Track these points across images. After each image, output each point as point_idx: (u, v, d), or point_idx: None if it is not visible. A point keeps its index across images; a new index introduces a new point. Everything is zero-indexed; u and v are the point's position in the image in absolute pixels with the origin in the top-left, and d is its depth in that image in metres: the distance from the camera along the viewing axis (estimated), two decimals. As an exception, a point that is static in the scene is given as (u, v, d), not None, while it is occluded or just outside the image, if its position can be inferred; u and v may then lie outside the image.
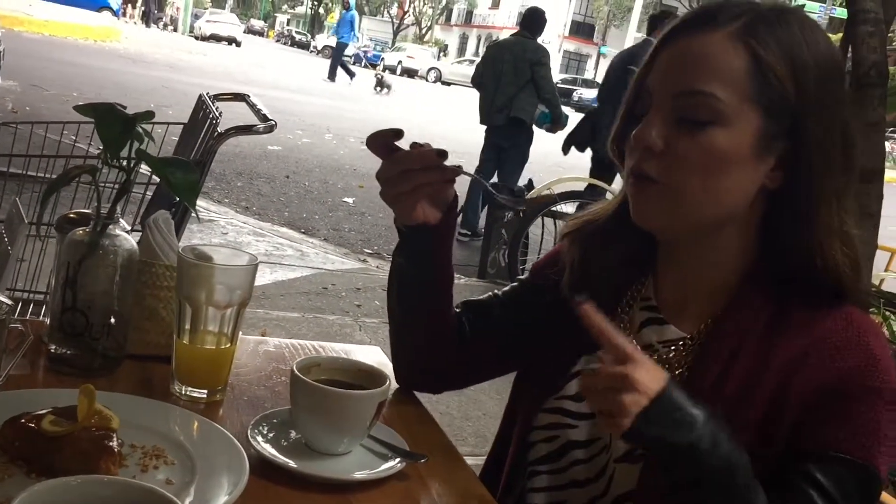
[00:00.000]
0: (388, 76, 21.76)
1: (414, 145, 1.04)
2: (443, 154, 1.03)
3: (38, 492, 0.60)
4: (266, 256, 5.27)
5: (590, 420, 1.08)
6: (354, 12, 21.25)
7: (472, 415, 3.50)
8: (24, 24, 16.89)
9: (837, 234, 0.97)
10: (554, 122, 6.51)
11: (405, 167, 1.03)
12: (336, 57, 20.96)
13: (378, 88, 20.33)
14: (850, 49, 2.87)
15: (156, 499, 0.62)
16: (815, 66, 0.95)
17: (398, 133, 1.04)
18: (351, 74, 20.96)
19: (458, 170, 1.05)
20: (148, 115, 1.08)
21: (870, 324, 0.99)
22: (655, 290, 1.10)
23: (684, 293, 1.07)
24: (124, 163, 1.07)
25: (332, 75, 20.48)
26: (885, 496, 1.14)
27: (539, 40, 6.63)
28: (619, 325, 1.10)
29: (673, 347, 1.05)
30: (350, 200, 7.43)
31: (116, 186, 1.11)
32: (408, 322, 1.20)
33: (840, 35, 3.08)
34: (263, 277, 4.80)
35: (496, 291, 1.26)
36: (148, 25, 33.99)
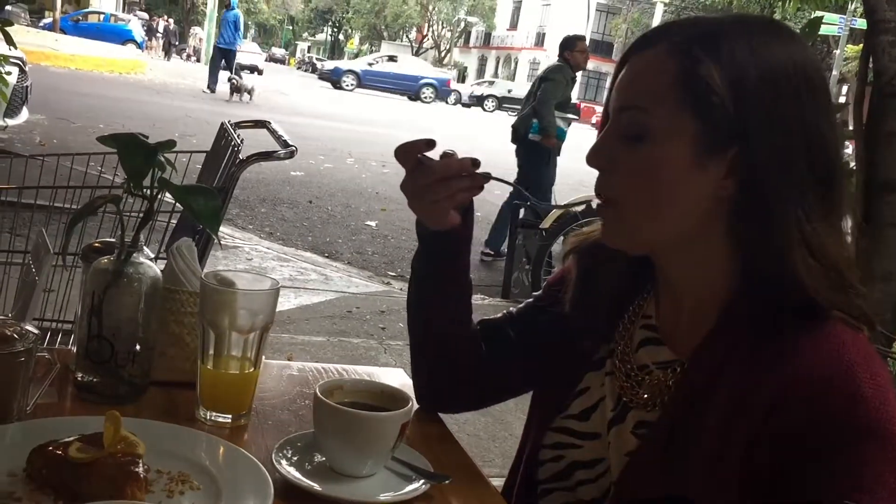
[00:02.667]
0: (247, 78, 17.93)
1: (444, 154, 1.07)
2: (476, 163, 1.07)
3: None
4: (290, 281, 5.30)
5: (593, 440, 1.08)
6: (238, 11, 17.63)
7: (499, 436, 3.49)
8: (51, 58, 17.19)
9: (802, 243, 0.92)
10: (541, 132, 6.43)
11: (441, 175, 1.06)
12: (215, 65, 17.75)
13: (237, 96, 16.99)
14: (870, 59, 2.86)
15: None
16: (759, 72, 0.92)
17: (430, 143, 1.07)
18: (213, 86, 17.79)
19: (488, 176, 1.09)
20: (170, 144, 1.10)
21: (860, 352, 0.91)
22: (655, 308, 1.09)
23: (677, 313, 1.05)
24: (147, 191, 1.09)
25: (211, 84, 17.75)
26: None
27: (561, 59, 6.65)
28: (620, 342, 1.10)
29: (666, 370, 1.03)
30: (373, 224, 7.46)
31: (141, 215, 1.13)
32: (428, 333, 1.21)
33: (861, 46, 3.07)
34: (288, 302, 4.83)
35: (511, 310, 1.26)
36: (168, 57, 34.46)
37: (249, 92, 17.25)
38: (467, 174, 1.07)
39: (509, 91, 37.74)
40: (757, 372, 0.92)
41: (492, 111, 34.55)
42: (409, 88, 33.30)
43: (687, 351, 1.02)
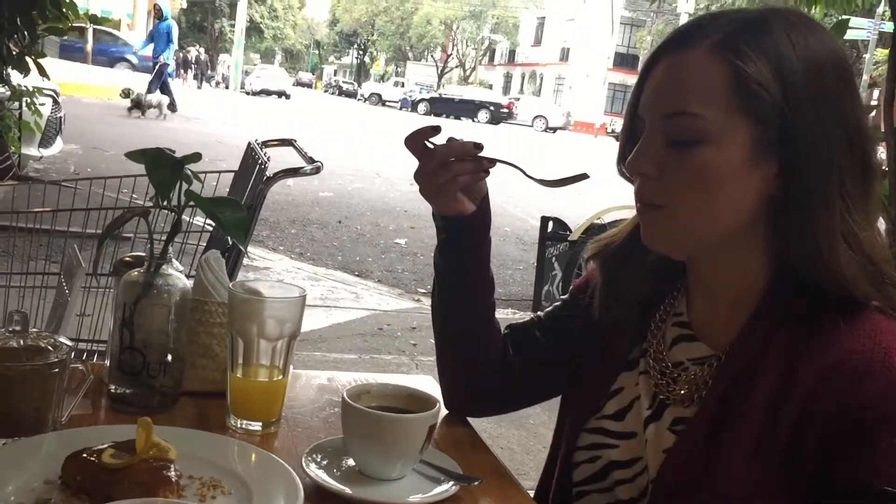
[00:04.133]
0: (154, 95, 15.33)
1: (451, 139, 1.09)
2: (479, 146, 1.08)
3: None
4: (321, 300, 5.34)
5: (629, 439, 1.07)
6: (171, 21, 16.11)
7: (533, 448, 3.47)
8: (83, 90, 17.51)
9: (842, 236, 0.93)
10: None
11: (444, 158, 1.08)
12: (155, 81, 15.53)
13: (144, 111, 15.04)
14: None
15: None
16: (803, 66, 0.92)
17: (436, 129, 1.10)
18: (173, 105, 15.81)
19: (494, 160, 1.10)
20: (195, 157, 1.12)
21: None
22: (687, 305, 1.09)
23: (712, 309, 1.05)
24: (175, 204, 1.11)
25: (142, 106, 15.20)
26: None
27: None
28: (653, 341, 1.10)
29: (702, 365, 1.03)
30: (402, 241, 7.49)
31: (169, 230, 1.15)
32: (449, 327, 1.22)
33: (890, 49, 3.04)
34: (319, 321, 4.86)
35: (539, 313, 1.27)
36: (200, 86, 34.96)
37: (154, 105, 15.18)
38: (471, 158, 1.08)
39: (440, 94, 39.27)
40: (796, 360, 0.94)
41: (423, 114, 36.16)
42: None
43: (723, 345, 1.02)
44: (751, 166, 0.94)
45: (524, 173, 1.10)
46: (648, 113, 0.98)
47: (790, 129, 0.92)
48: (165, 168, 1.10)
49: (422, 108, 37.75)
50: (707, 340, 1.05)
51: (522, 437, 3.55)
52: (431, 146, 1.09)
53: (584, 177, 1.09)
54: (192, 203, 1.10)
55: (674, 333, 1.09)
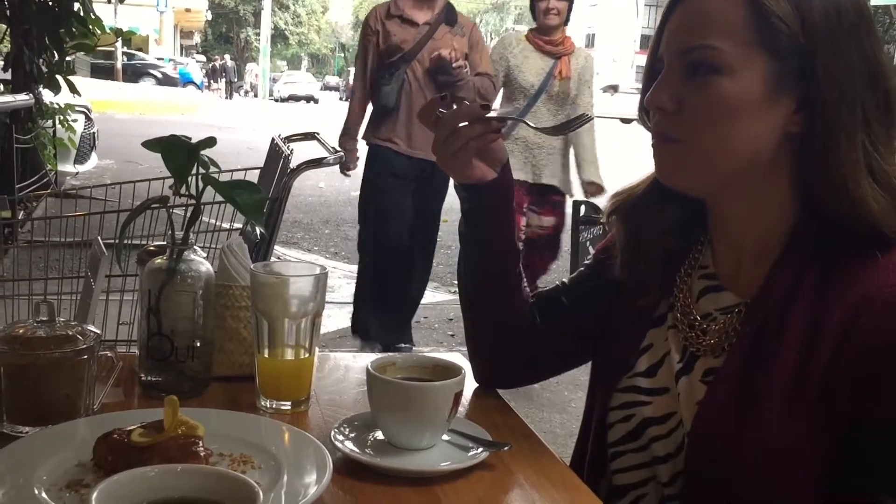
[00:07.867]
0: None
1: (458, 102, 1.09)
2: (487, 107, 1.08)
3: (118, 482, 0.62)
4: (358, 297, 5.34)
5: (662, 395, 1.06)
6: None
7: (576, 431, 3.45)
8: (116, 106, 17.79)
9: (865, 169, 0.92)
10: None
11: (453, 125, 1.07)
12: None
13: None
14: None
15: (229, 482, 0.63)
16: (821, 2, 0.92)
17: (444, 98, 1.10)
18: None
19: (502, 118, 1.11)
20: (210, 142, 1.12)
21: None
22: (712, 256, 1.08)
23: (737, 256, 1.04)
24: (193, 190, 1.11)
25: None
26: None
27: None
28: (679, 296, 1.08)
29: (730, 314, 1.02)
30: (436, 235, 7.49)
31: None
32: (476, 296, 1.21)
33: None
34: (357, 317, 4.87)
35: (564, 280, 1.26)
36: (231, 96, 35.41)
37: None
38: (480, 119, 1.06)
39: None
40: (826, 298, 0.93)
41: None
42: None
43: (751, 291, 1.01)
44: (769, 101, 0.94)
45: (527, 124, 1.11)
46: (668, 51, 0.99)
47: (809, 63, 0.92)
48: (181, 154, 1.11)
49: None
50: (734, 289, 1.04)
51: (565, 421, 3.53)
52: (441, 115, 1.09)
53: (585, 118, 1.09)
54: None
55: (700, 286, 1.07)
